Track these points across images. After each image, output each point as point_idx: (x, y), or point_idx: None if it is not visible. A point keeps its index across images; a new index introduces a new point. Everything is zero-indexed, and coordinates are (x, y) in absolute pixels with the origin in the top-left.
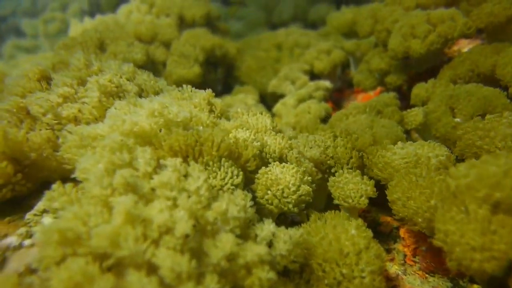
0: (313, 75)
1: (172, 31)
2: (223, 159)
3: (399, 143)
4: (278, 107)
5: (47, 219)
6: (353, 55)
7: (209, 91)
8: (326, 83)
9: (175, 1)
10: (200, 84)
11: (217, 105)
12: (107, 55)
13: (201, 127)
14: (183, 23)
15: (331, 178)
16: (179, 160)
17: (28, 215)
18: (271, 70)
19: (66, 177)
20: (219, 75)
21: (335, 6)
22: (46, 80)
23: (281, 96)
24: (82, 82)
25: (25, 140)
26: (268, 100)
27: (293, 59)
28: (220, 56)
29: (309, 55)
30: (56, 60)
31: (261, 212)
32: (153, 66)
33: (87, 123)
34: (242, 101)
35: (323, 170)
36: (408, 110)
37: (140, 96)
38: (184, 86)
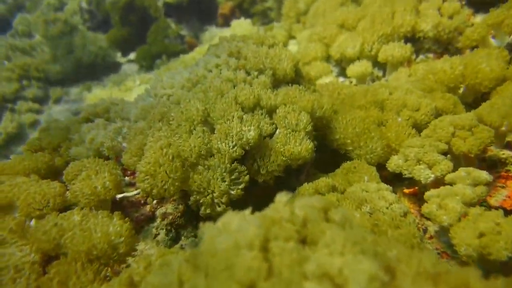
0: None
1: (275, 96)
2: None
3: None
4: (434, 211)
5: None
6: (496, 130)
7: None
8: (483, 174)
9: (262, 53)
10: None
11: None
12: (218, 136)
13: None
14: (274, 78)
15: None
16: None
17: None
18: (377, 134)
19: None
20: (314, 140)
21: (412, 47)
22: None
23: (409, 177)
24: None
25: None
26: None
27: (403, 125)
28: (318, 118)
29: (442, 130)
30: (175, 152)
31: None
32: (260, 142)
33: None
34: (380, 195)
35: None
36: None
37: None
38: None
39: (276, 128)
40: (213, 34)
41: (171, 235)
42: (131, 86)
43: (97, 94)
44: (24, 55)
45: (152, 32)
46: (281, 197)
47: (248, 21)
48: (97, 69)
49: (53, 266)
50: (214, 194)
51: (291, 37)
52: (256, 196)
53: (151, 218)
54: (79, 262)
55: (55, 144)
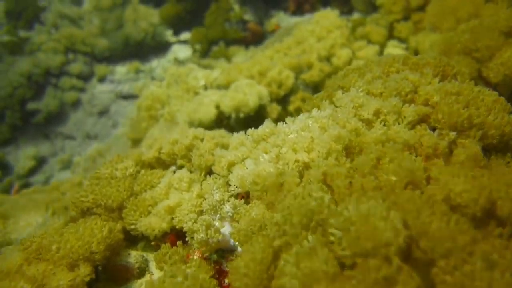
0: None
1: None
2: None
3: None
4: None
5: None
6: None
7: None
8: None
9: (459, 93)
10: None
11: None
12: None
13: None
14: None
15: None
16: None
17: None
18: None
19: None
20: None
21: None
22: None
23: None
24: None
25: None
26: None
27: None
28: None
29: None
30: None
31: None
32: None
33: None
34: None
35: None
36: None
37: None
38: None
39: None
40: (284, 23)
41: None
42: (194, 87)
43: (154, 92)
44: (72, 24)
45: (211, 13)
46: None
47: (336, 12)
48: (145, 48)
49: None
50: None
51: (393, 37)
52: None
53: None
54: None
55: (116, 203)
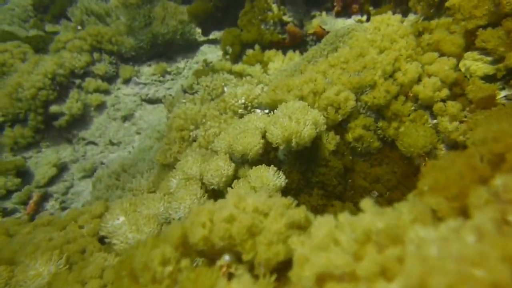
0: None
1: None
2: None
3: None
4: None
5: None
6: None
7: None
8: None
9: None
10: None
11: None
12: None
13: None
14: None
15: None
16: None
17: None
18: None
19: None
20: None
21: None
22: None
23: None
24: None
25: None
26: None
27: None
28: None
29: None
30: None
31: None
32: None
33: None
34: None
35: None
36: None
37: None
38: None
39: None
40: (328, 26)
41: None
42: (233, 106)
43: (187, 110)
44: (99, 22)
45: (246, 13)
46: None
47: (398, 17)
48: (173, 48)
49: None
50: None
51: (472, 47)
52: None
53: None
54: None
55: None
